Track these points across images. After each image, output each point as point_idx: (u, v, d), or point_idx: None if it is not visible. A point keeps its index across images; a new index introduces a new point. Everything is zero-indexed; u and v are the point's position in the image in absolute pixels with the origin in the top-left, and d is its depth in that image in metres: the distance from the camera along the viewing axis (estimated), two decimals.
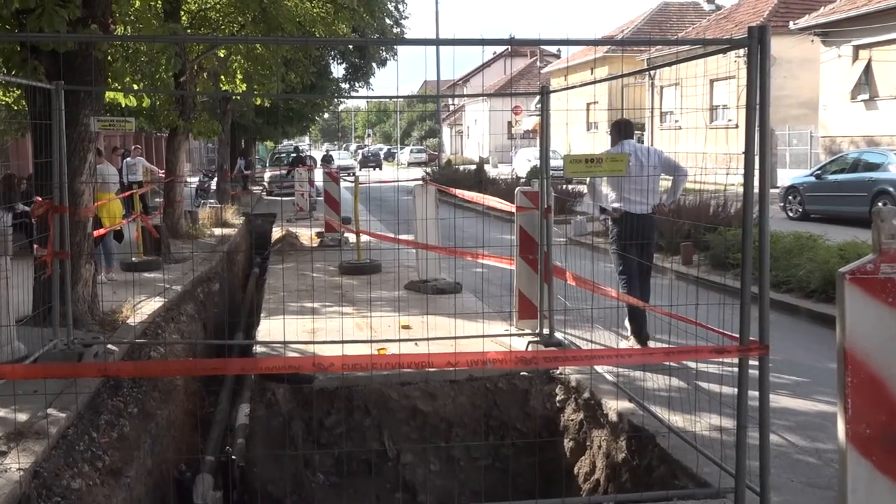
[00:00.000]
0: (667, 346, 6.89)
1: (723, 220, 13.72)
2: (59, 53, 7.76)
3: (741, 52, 4.31)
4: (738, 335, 4.38)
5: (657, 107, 36.35)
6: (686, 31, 38.18)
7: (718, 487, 4.70)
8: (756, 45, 4.14)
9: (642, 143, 31.21)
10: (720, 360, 6.48)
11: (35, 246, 7.77)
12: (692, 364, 6.81)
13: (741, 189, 4.52)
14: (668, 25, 42.43)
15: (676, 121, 35.21)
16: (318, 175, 21.84)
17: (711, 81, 31.00)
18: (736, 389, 4.46)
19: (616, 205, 7.99)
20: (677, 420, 5.71)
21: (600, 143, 40.45)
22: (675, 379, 6.49)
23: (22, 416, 5.70)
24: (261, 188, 35.99)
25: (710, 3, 44.58)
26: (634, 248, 7.74)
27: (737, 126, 28.35)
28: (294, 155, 33.44)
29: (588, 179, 8.57)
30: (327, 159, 37.65)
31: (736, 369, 4.50)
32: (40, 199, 7.47)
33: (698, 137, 30.36)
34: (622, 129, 8.44)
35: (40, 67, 7.90)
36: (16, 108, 11.00)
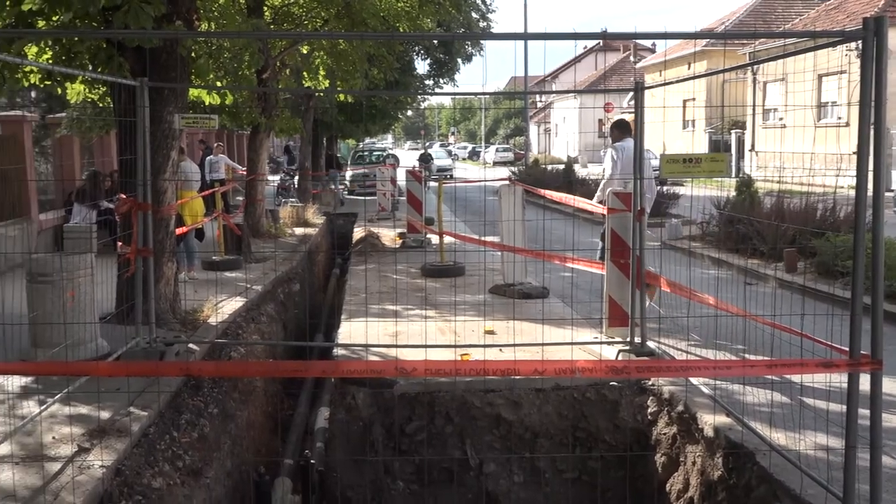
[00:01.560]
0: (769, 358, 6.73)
1: (831, 224, 13.31)
2: (144, 50, 8.02)
3: (854, 45, 4.21)
4: (847, 348, 4.25)
5: (759, 103, 35.49)
6: (793, 23, 37.16)
7: None
8: (871, 37, 4.02)
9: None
10: (827, 374, 6.30)
11: (119, 243, 8.05)
12: (796, 378, 6.63)
13: (852, 192, 4.39)
14: (772, 17, 41.36)
15: (781, 118, 34.30)
16: (401, 174, 22.06)
17: (820, 76, 30.11)
18: (844, 406, 4.34)
19: None
20: (779, 437, 5.57)
21: (698, 142, 39.71)
22: (778, 394, 6.34)
23: (105, 414, 5.92)
24: (342, 187, 36.52)
25: None
26: None
27: (847, 124, 27.44)
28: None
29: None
30: (425, 158, 37.46)
31: (845, 385, 4.38)
32: (124, 196, 7.73)
33: (805, 137, 29.52)
34: (625, 128, 9.40)
35: (125, 64, 8.17)
36: (101, 104, 11.40)
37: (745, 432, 5.69)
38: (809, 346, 5.19)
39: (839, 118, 29.93)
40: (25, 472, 4.93)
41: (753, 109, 35.48)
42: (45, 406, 5.86)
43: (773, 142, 33.15)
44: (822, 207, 14.18)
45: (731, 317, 6.72)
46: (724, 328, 7.31)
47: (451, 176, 35.92)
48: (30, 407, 5.98)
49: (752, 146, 35.92)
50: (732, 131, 37.74)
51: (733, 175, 21.60)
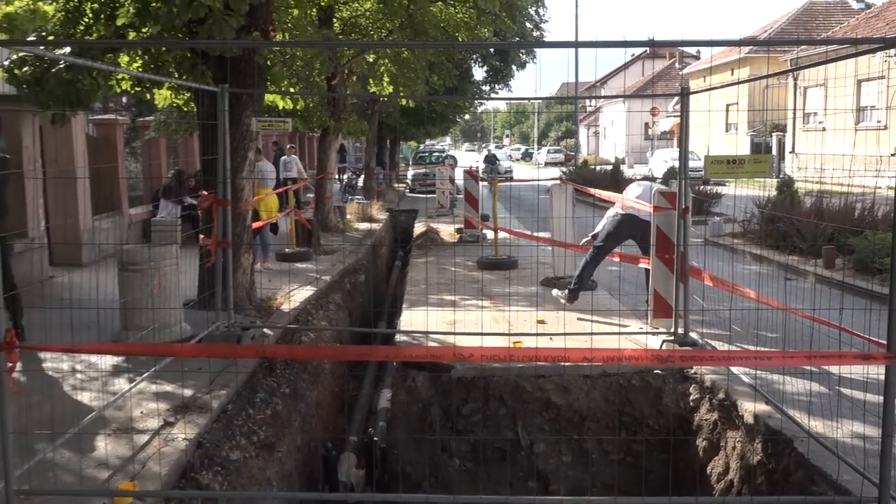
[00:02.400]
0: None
1: (869, 223, 12.95)
2: (225, 59, 8.14)
3: (893, 51, 4.09)
4: (885, 342, 4.14)
5: (800, 108, 34.66)
6: (833, 31, 36.22)
7: (860, 496, 4.46)
8: None
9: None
10: (865, 366, 6.14)
11: (201, 236, 8.19)
12: (834, 369, 6.49)
13: (890, 192, 4.27)
14: (813, 25, 40.32)
15: (821, 122, 33.49)
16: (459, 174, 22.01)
17: (859, 82, 29.32)
18: (881, 397, 4.23)
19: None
20: (817, 425, 5.45)
21: (741, 144, 38.99)
22: (816, 384, 6.21)
23: (188, 392, 6.04)
24: (404, 185, 36.64)
25: (860, 1, 42.03)
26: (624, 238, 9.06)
27: (886, 128, 26.66)
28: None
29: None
30: (491, 160, 36.47)
31: (882, 377, 4.26)
32: (206, 193, 7.86)
33: (845, 139, 28.76)
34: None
35: (208, 72, 8.31)
36: (185, 109, 11.60)
37: (784, 420, 5.58)
38: (847, 338, 5.08)
39: (878, 121, 29.12)
40: (116, 443, 5.06)
41: (794, 113, 34.69)
42: (134, 383, 5.99)
43: (814, 144, 32.40)
44: (860, 207, 13.82)
45: (772, 310, 6.60)
46: (765, 321, 7.18)
47: (512, 178, 35.94)
48: (120, 384, 6.13)
49: (793, 148, 35.14)
50: (773, 134, 36.97)
51: (775, 176, 21.16)
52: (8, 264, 7.30)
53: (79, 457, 4.76)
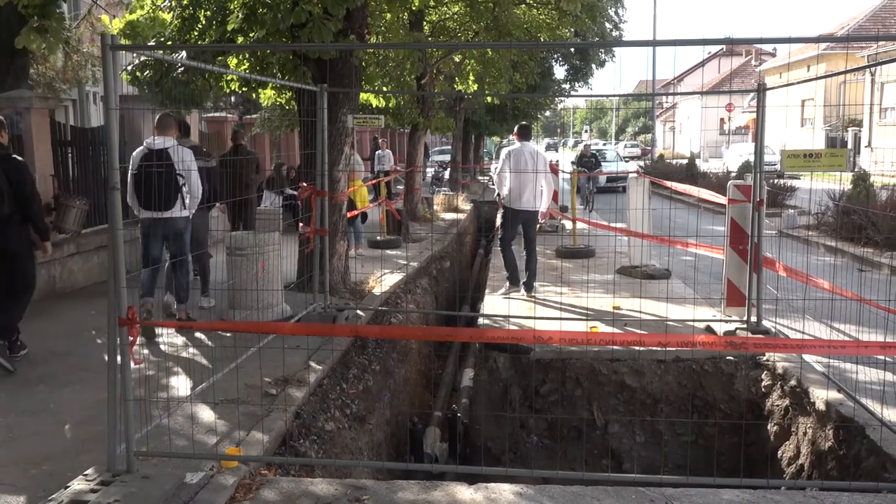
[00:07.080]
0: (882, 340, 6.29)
1: None
2: (323, 60, 8.25)
3: None
4: None
5: (877, 103, 33.09)
6: None
7: None
8: None
9: None
10: None
11: (300, 224, 8.34)
12: None
13: None
14: (892, 21, 38.40)
15: None
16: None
17: None
18: None
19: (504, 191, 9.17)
20: (890, 414, 5.21)
21: (816, 139, 37.55)
22: (890, 373, 5.94)
23: (288, 367, 6.16)
24: (488, 178, 36.54)
25: None
26: (516, 226, 9.36)
27: None
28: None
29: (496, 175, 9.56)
30: (588, 163, 28.67)
31: None
32: (305, 184, 8.00)
33: None
34: (525, 133, 9.46)
35: (308, 73, 8.43)
36: (287, 107, 11.83)
37: (857, 408, 5.36)
38: None
39: None
40: (223, 412, 5.19)
41: (871, 108, 33.15)
42: (240, 358, 6.15)
43: (891, 138, 30.95)
44: None
45: (845, 300, 6.33)
46: (838, 311, 6.89)
47: (625, 189, 24.26)
48: (227, 358, 6.29)
49: (869, 142, 33.62)
50: (849, 129, 35.42)
51: (850, 170, 20.24)
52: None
53: (190, 423, 4.91)
